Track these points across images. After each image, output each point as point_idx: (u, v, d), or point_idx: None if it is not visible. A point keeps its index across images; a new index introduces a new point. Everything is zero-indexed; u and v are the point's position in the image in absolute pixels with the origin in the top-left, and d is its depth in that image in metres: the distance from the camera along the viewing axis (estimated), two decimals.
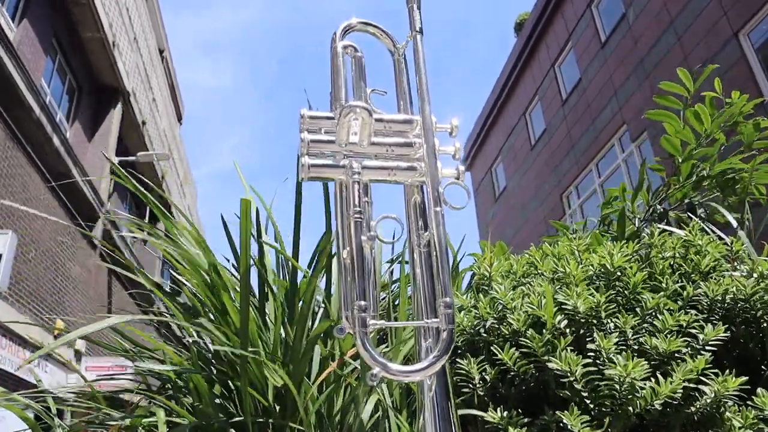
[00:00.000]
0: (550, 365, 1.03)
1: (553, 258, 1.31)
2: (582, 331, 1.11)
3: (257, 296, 1.33)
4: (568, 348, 1.05)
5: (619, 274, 1.21)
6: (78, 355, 11.27)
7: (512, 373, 1.12)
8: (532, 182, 14.50)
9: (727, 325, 1.10)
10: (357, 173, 0.90)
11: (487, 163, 17.92)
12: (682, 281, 1.22)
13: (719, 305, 1.15)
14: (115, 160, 12.21)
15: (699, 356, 1.04)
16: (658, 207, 2.13)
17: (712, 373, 1.04)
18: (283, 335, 1.22)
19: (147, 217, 15.81)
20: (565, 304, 1.11)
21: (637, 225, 1.86)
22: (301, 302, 1.25)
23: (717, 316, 1.16)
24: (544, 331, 1.09)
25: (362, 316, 0.82)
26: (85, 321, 11.26)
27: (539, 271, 1.36)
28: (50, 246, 9.75)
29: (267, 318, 1.27)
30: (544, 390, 1.12)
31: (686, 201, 1.97)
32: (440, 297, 0.86)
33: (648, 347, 1.06)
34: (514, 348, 1.12)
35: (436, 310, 0.86)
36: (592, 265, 1.22)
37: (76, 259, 10.91)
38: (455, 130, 1.00)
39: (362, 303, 0.83)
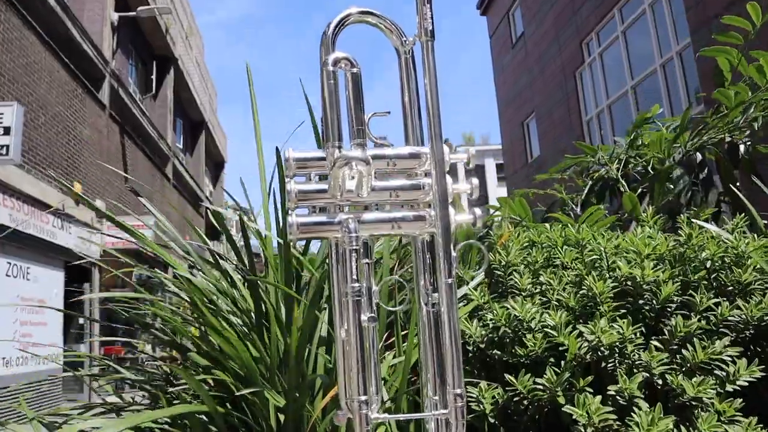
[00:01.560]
0: (567, 410, 0.96)
1: (575, 252, 1.19)
2: (604, 364, 1.02)
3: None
4: (587, 391, 0.97)
5: (646, 286, 1.09)
6: (99, 214, 11.55)
7: (526, 402, 1.05)
8: (550, 28, 13.74)
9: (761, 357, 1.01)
10: (354, 235, 0.77)
11: (504, 8, 16.88)
12: (717, 296, 1.11)
13: (753, 327, 1.05)
14: (115, 16, 11.62)
15: (727, 401, 0.96)
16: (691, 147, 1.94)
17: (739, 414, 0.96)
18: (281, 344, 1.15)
19: (154, 72, 15.42)
20: (588, 336, 1.01)
21: (674, 177, 1.70)
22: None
23: (747, 335, 1.06)
24: (563, 363, 1.01)
25: (364, 413, 0.74)
26: (102, 182, 11.41)
27: (559, 262, 1.24)
28: (59, 110, 9.61)
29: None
30: (558, 418, 1.06)
31: (728, 140, 1.79)
32: (451, 386, 0.77)
33: (674, 386, 0.98)
34: (530, 375, 1.04)
35: (445, 397, 0.78)
36: (617, 278, 1.11)
37: (87, 121, 10.80)
38: (471, 160, 0.84)
39: (363, 398, 0.74)
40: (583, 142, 2.43)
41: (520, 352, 1.07)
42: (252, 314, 1.21)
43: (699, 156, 1.81)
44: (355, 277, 0.76)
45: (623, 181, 2.17)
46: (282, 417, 1.06)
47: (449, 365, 0.78)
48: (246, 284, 1.25)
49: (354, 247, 0.76)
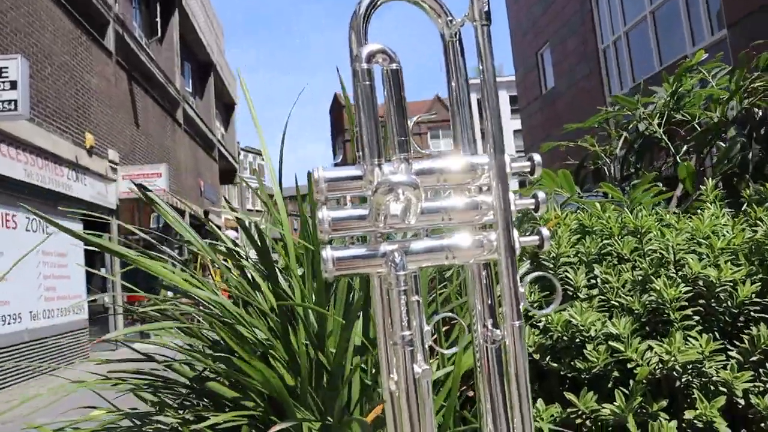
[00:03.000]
0: None
1: (634, 242, 1.06)
2: (678, 384, 0.91)
3: None
4: (662, 416, 0.86)
5: (721, 287, 0.96)
6: (113, 166, 11.49)
7: (588, 423, 0.94)
8: None
9: None
10: (402, 273, 0.64)
11: None
12: None
13: None
14: None
15: None
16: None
17: None
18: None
19: (158, 14, 15.01)
20: (662, 355, 0.89)
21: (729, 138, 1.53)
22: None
23: None
24: (632, 384, 0.89)
25: None
26: (114, 131, 11.29)
27: (617, 252, 1.11)
28: (65, 60, 9.41)
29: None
30: None
31: None
32: None
33: (760, 408, 0.86)
34: (592, 394, 0.92)
35: None
36: (686, 277, 0.97)
37: (94, 69, 10.59)
38: (537, 169, 0.70)
39: None
40: (620, 96, 2.25)
41: (581, 366, 0.95)
42: (276, 316, 1.10)
43: (758, 111, 1.64)
44: (405, 322, 0.64)
45: (666, 139, 2.00)
46: None
47: (517, 416, 0.66)
48: (268, 284, 1.14)
49: (402, 288, 0.64)
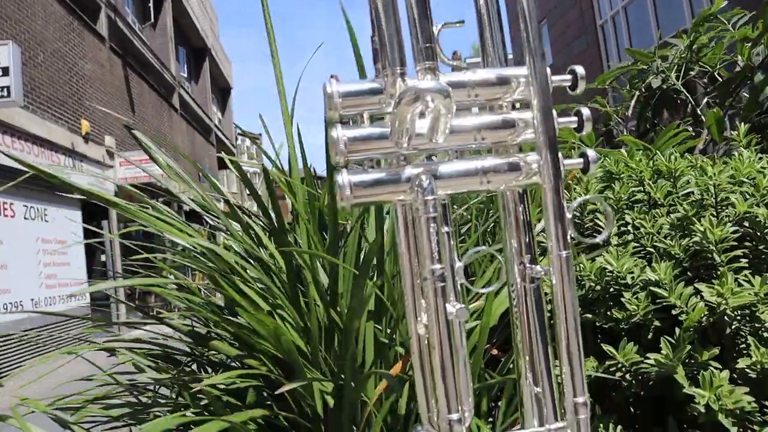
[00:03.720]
0: (692, 392, 0.77)
1: (668, 185, 0.97)
2: (728, 331, 0.83)
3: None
4: (712, 365, 0.78)
5: None
6: (110, 152, 11.39)
7: (629, 376, 0.86)
8: None
9: None
10: (431, 198, 0.55)
11: None
12: None
13: None
14: None
15: None
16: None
17: None
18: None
19: None
20: (710, 298, 0.80)
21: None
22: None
23: None
24: (678, 331, 0.81)
25: None
26: (109, 118, 11.16)
27: (649, 197, 1.03)
28: (58, 46, 9.27)
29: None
30: (665, 391, 0.88)
31: None
32: (570, 392, 0.57)
33: None
34: (632, 343, 0.84)
35: (557, 410, 0.58)
36: (729, 218, 0.89)
37: (87, 55, 10.45)
38: (580, 83, 0.61)
39: (455, 417, 0.55)
40: (635, 49, 2.14)
41: (618, 315, 0.87)
42: (283, 277, 1.01)
43: None
44: (435, 255, 0.55)
45: (686, 92, 1.91)
46: (331, 403, 0.89)
47: (566, 366, 0.58)
48: (274, 241, 1.05)
49: (431, 215, 0.55)
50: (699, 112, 1.73)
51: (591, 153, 0.61)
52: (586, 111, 0.62)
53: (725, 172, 0.96)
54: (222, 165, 19.85)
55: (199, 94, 18.28)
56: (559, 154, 0.58)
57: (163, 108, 14.29)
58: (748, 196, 0.95)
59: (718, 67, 1.84)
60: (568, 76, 0.62)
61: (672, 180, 1.06)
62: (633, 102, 2.31)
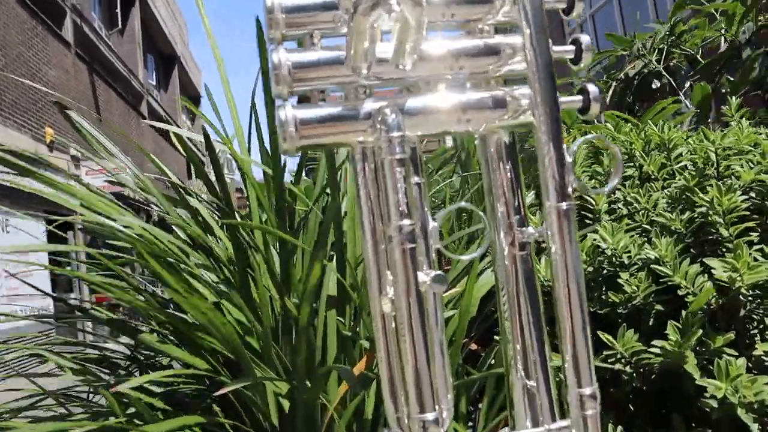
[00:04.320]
0: (705, 383, 0.66)
1: (662, 157, 0.88)
2: (742, 314, 0.72)
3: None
4: (726, 352, 0.67)
5: None
6: (75, 160, 11.10)
7: (629, 368, 0.75)
8: None
9: None
10: (396, 135, 0.44)
11: None
12: None
13: None
14: None
15: None
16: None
17: None
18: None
19: (119, 5, 14.55)
20: (720, 274, 0.70)
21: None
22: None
23: None
24: (684, 314, 0.70)
25: None
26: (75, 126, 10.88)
27: (641, 171, 0.93)
28: (20, 51, 8.99)
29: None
30: (670, 383, 0.77)
31: None
32: (574, 383, 0.46)
33: None
34: (632, 330, 0.74)
35: (563, 405, 0.47)
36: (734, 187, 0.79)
37: (52, 61, 10.17)
38: (578, 5, 0.50)
39: (429, 417, 0.43)
40: (615, 34, 2.07)
41: (615, 299, 0.76)
42: (234, 266, 0.89)
43: None
44: (404, 208, 0.43)
45: (668, 75, 1.83)
46: (286, 406, 0.76)
47: (569, 351, 0.46)
48: (223, 227, 0.92)
49: (398, 156, 0.43)
50: (682, 96, 1.65)
51: (592, 88, 0.50)
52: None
53: (727, 138, 0.87)
54: (190, 175, 19.53)
55: (168, 102, 18.00)
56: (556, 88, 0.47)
57: (131, 116, 14.00)
58: (753, 165, 0.85)
59: (700, 47, 1.76)
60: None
61: (666, 152, 0.96)
62: (610, 93, 2.23)
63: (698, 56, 1.78)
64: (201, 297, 0.77)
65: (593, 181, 1.00)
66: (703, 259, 0.74)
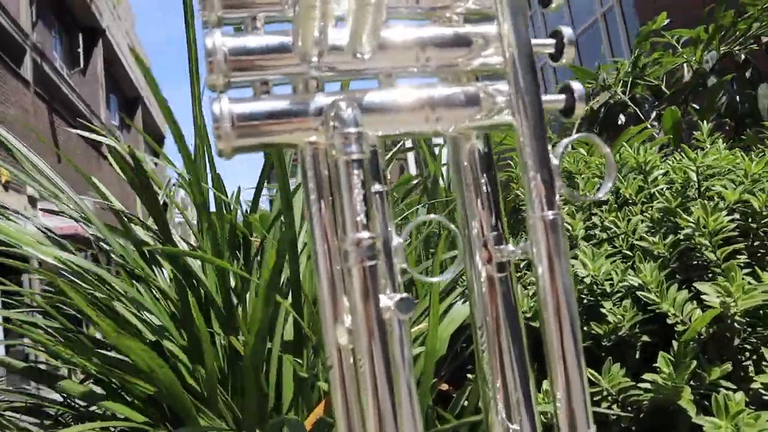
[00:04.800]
0: (702, 422, 0.59)
1: (639, 181, 0.84)
2: (737, 343, 0.66)
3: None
4: (723, 385, 0.61)
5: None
6: (32, 200, 10.77)
7: (615, 407, 0.68)
8: None
9: None
10: (353, 131, 0.37)
11: None
12: None
13: None
14: None
15: None
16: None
17: None
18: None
19: (81, 44, 14.41)
20: (711, 299, 0.64)
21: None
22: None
23: None
24: (677, 345, 0.64)
25: None
26: (32, 167, 10.59)
27: (619, 194, 0.88)
28: None
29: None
30: (658, 421, 0.70)
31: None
32: (566, 428, 0.39)
33: None
34: (618, 365, 0.67)
35: None
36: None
37: (10, 99, 9.95)
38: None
39: None
40: (578, 66, 2.06)
41: (599, 330, 0.70)
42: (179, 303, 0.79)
43: (741, 55, 1.46)
44: (361, 218, 0.36)
45: (634, 106, 1.81)
46: None
47: (561, 388, 0.39)
48: (163, 248, 0.83)
49: (355, 155, 0.36)
50: (649, 126, 1.63)
51: (577, 86, 0.44)
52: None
53: (709, 156, 0.82)
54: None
55: (131, 142, 17.76)
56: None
57: (92, 156, 13.74)
58: (735, 185, 0.80)
59: (664, 77, 1.76)
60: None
61: (642, 175, 0.92)
62: (575, 126, 2.21)
63: (662, 86, 1.78)
64: (135, 337, 0.67)
65: (568, 205, 0.95)
66: (694, 284, 0.68)
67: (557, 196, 0.40)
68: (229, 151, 0.37)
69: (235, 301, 0.80)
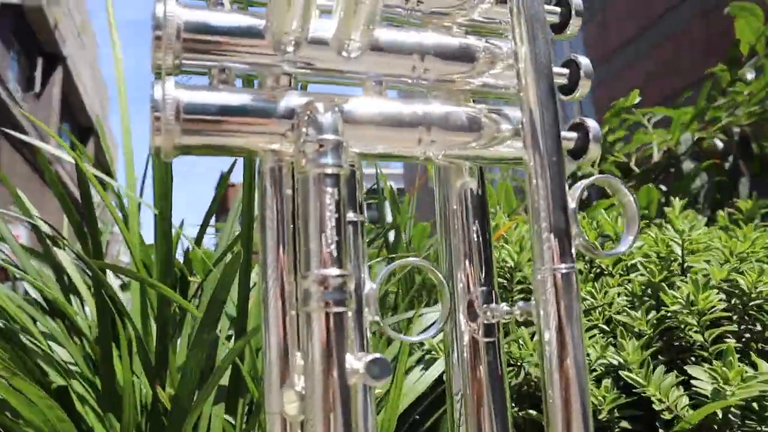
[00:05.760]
0: None
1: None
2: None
3: None
4: None
5: (756, 300, 0.70)
6: None
7: None
8: None
9: None
10: (331, 135, 0.29)
11: None
12: None
13: None
14: None
15: None
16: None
17: None
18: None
19: (39, 69, 14.11)
20: (703, 388, 0.58)
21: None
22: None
23: None
24: None
25: None
26: None
27: (600, 267, 0.84)
28: None
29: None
30: None
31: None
32: None
33: None
34: None
35: None
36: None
37: None
38: (575, 18, 0.38)
39: None
40: None
41: None
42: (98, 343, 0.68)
43: (719, 143, 1.46)
44: (331, 249, 0.27)
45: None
46: None
47: None
48: (90, 287, 0.73)
49: (330, 169, 0.28)
50: (616, 203, 1.61)
51: (592, 123, 0.38)
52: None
53: (695, 229, 0.77)
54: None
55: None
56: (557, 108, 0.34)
57: (36, 182, 13.24)
58: (721, 263, 0.75)
59: (634, 156, 1.76)
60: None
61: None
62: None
63: (631, 164, 1.78)
64: (33, 380, 0.56)
65: None
66: (685, 367, 0.61)
67: (573, 246, 0.32)
68: (169, 150, 0.29)
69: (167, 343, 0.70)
